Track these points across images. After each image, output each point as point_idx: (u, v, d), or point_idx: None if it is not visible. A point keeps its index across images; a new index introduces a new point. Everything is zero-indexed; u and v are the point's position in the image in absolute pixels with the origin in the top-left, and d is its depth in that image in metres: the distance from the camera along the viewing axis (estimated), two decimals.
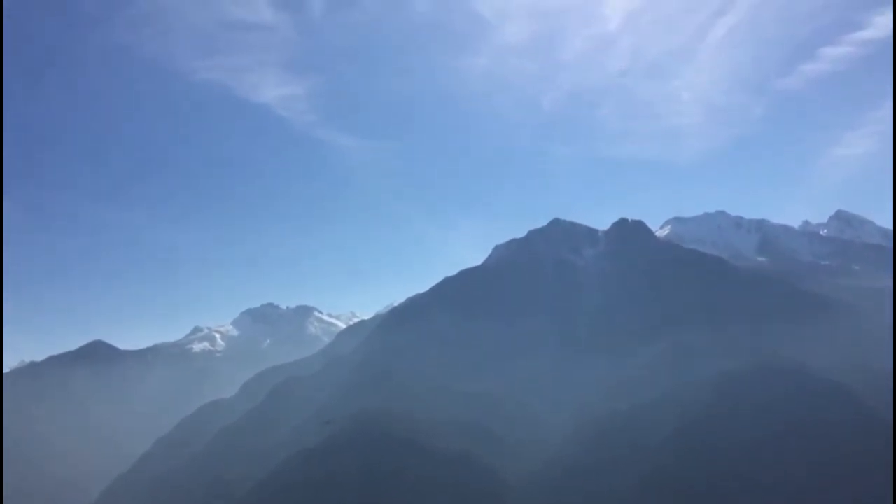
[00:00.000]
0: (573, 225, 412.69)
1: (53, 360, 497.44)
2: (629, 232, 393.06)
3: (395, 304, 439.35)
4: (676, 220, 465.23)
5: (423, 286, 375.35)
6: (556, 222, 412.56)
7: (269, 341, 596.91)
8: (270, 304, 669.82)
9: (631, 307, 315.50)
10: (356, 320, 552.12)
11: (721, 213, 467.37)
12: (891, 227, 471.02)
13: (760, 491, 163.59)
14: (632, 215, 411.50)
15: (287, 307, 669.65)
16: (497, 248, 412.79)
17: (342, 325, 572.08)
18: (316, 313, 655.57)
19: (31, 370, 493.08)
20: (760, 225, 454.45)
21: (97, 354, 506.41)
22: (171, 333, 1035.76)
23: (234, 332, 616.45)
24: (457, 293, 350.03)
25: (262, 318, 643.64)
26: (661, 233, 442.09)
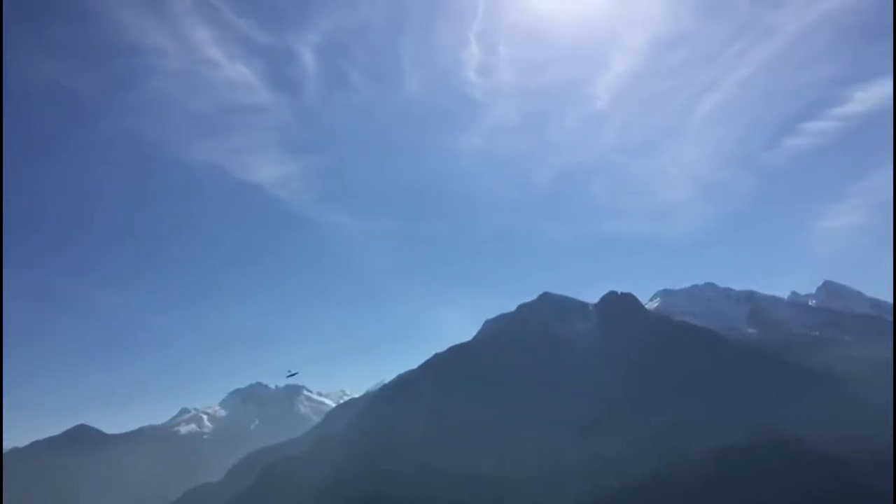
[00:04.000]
0: (563, 298, 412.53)
1: (38, 446, 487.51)
2: (619, 305, 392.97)
3: (386, 382, 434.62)
4: (666, 293, 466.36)
5: (414, 363, 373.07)
6: (545, 296, 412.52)
7: (257, 422, 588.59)
8: (259, 384, 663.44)
9: (622, 381, 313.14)
10: (346, 398, 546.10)
11: (710, 284, 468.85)
12: (880, 296, 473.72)
13: None
14: (622, 289, 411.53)
15: (276, 386, 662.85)
16: (487, 322, 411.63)
17: (332, 404, 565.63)
18: (305, 392, 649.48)
19: (15, 456, 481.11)
20: (750, 296, 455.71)
21: (83, 438, 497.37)
22: (158, 415, 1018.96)
23: (222, 413, 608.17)
24: (447, 369, 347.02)
25: (250, 397, 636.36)
26: (650, 305, 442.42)
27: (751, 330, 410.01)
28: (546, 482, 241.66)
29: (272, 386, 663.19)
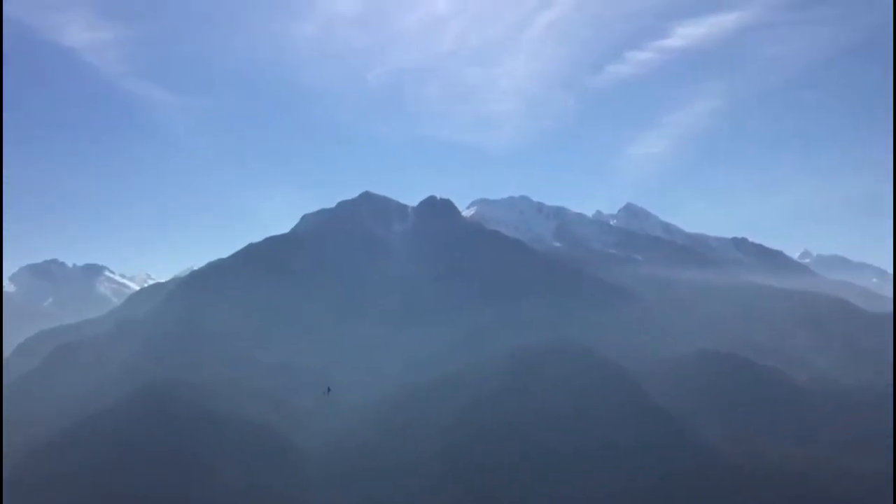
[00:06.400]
0: (384, 199, 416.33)
1: None
2: (437, 210, 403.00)
3: (196, 268, 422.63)
4: (482, 202, 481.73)
5: (227, 252, 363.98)
6: (366, 195, 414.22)
7: (51, 300, 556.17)
8: (55, 261, 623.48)
9: (434, 283, 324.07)
10: (152, 282, 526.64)
11: (524, 198, 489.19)
12: (672, 221, 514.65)
13: (546, 468, 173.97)
14: (442, 195, 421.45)
15: (74, 264, 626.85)
16: (305, 217, 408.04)
17: (136, 287, 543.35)
18: (107, 273, 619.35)
19: None
20: (558, 212, 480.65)
21: None
22: None
23: (11, 288, 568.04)
24: (262, 260, 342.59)
25: (44, 274, 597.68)
26: (467, 213, 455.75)
27: (556, 243, 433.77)
28: (356, 375, 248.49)
29: (69, 263, 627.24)
